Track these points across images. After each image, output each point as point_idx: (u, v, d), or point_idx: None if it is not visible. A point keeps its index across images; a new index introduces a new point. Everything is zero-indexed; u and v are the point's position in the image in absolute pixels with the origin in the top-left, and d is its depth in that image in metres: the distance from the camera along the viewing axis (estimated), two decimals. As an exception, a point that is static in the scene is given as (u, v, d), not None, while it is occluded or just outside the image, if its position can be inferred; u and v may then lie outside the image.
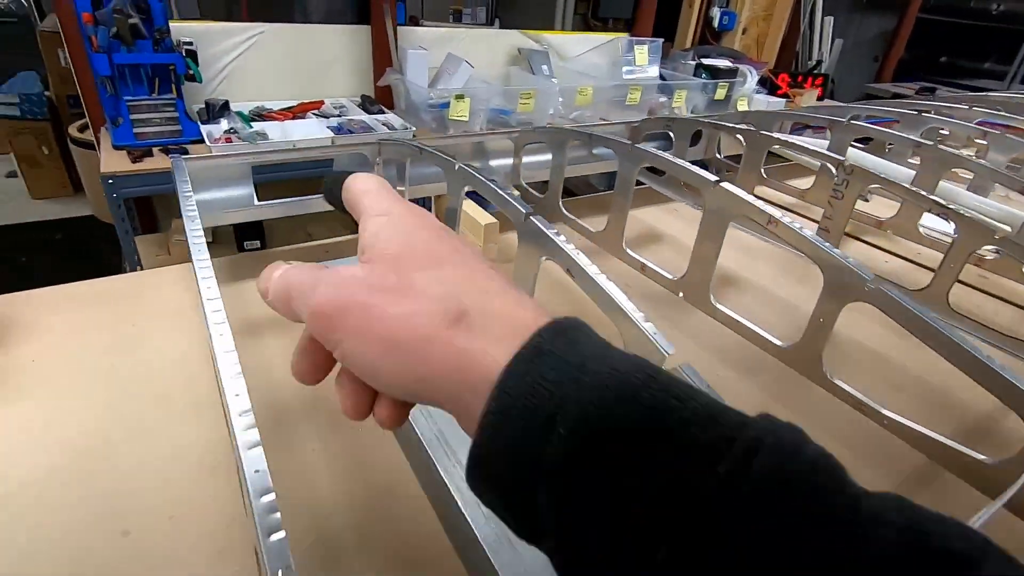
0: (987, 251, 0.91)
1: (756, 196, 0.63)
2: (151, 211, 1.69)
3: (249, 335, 0.69)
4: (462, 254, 0.24)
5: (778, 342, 0.62)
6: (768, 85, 2.60)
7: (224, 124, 1.46)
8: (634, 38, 2.07)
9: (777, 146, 0.90)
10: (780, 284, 0.91)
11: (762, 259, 0.98)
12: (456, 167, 0.63)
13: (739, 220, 0.65)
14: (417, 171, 0.91)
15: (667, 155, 0.72)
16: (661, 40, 2.09)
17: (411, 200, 0.91)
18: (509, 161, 1.05)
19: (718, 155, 1.20)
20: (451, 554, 0.46)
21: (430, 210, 1.08)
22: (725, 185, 0.64)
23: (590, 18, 3.01)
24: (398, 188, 0.88)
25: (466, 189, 0.64)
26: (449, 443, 0.48)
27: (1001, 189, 1.10)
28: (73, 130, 2.48)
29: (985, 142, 1.11)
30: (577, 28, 2.82)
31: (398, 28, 1.75)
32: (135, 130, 1.30)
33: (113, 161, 1.25)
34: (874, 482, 0.45)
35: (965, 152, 1.06)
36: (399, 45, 1.76)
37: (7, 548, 0.44)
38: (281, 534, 0.24)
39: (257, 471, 0.29)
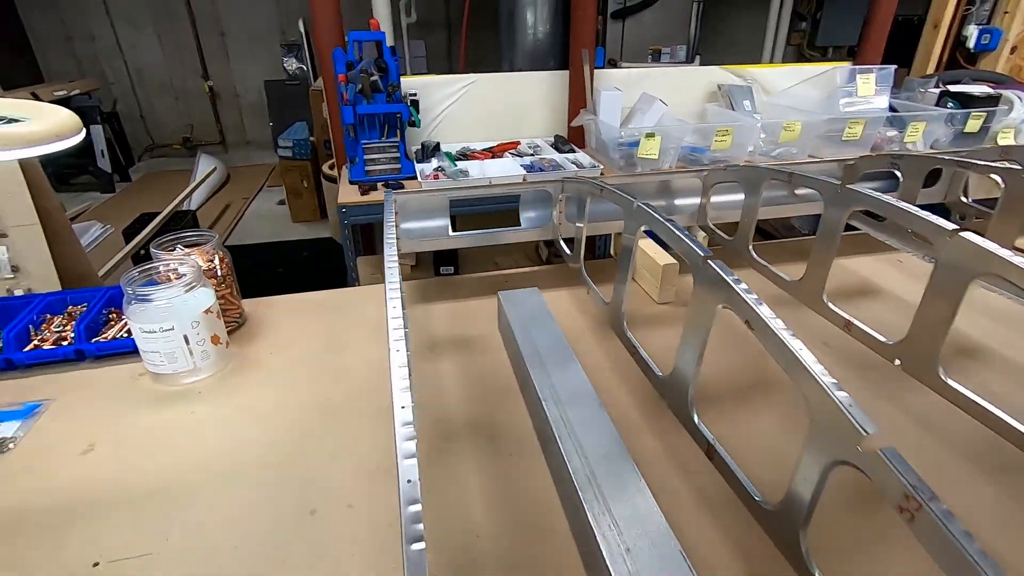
0: None
1: (1016, 250, 0.51)
2: (372, 237, 1.98)
3: (430, 353, 0.76)
4: None
5: (759, 498, 0.47)
6: (1046, 113, 2.09)
7: (434, 163, 1.65)
8: (858, 66, 1.84)
9: (1052, 189, 0.71)
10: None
11: (1016, 327, 0.78)
12: (634, 206, 0.62)
13: (986, 278, 0.52)
14: (598, 208, 0.91)
15: (887, 198, 0.62)
16: (893, 67, 1.82)
17: (587, 236, 0.91)
18: (696, 200, 1.00)
19: (964, 198, 0.99)
20: (591, 607, 0.44)
21: (608, 248, 1.07)
22: (966, 235, 0.52)
23: (806, 48, 2.75)
24: (576, 224, 0.90)
25: (643, 228, 0.63)
26: (600, 487, 0.47)
27: None
28: (325, 168, 3.04)
29: None
30: (789, 60, 2.62)
31: (595, 71, 1.82)
32: (367, 168, 1.55)
33: (347, 193, 1.50)
34: None
35: None
36: (595, 87, 1.82)
37: (220, 510, 0.54)
38: (421, 545, 0.26)
39: (410, 481, 0.31)
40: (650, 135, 1.58)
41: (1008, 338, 0.76)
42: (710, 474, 0.52)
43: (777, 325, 0.40)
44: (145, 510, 0.54)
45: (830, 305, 0.69)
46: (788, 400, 0.64)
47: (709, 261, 0.48)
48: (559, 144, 1.83)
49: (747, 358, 0.71)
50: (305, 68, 4.29)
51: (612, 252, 1.00)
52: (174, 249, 0.77)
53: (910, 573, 0.43)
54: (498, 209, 1.37)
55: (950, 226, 0.54)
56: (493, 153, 1.73)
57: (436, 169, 1.57)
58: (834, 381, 0.35)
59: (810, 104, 1.91)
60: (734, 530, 0.48)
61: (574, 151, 1.77)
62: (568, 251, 0.89)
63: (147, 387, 0.71)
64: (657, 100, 1.73)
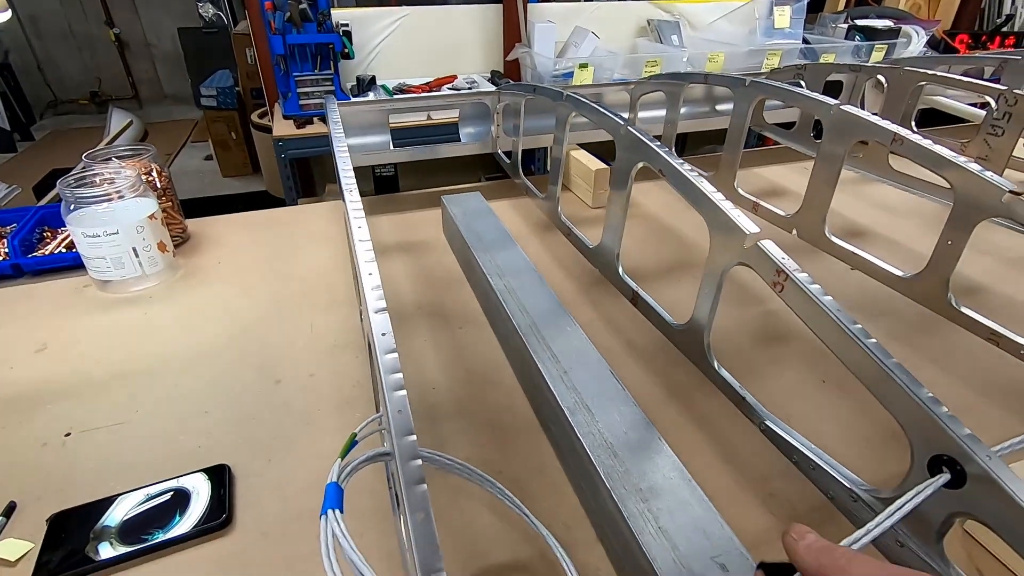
0: None
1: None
2: (310, 178, 1.94)
3: (379, 256, 0.80)
4: None
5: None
6: (942, 48, 2.28)
7: (371, 97, 1.64)
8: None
9: (924, 82, 0.82)
10: (902, 228, 0.83)
11: (884, 208, 0.89)
12: (564, 95, 0.67)
13: (859, 149, 0.61)
14: (533, 123, 0.96)
15: (784, 85, 0.69)
16: (806, 1, 1.93)
17: (524, 151, 0.95)
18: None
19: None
20: (535, 425, 0.51)
21: (544, 166, 1.12)
22: (847, 108, 0.61)
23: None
24: (512, 139, 0.94)
25: (573, 117, 0.68)
26: (541, 333, 0.53)
27: None
28: (255, 117, 2.90)
29: None
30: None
31: (528, 5, 1.82)
32: (300, 102, 1.52)
33: (283, 127, 1.47)
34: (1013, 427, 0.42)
35: None
36: (528, 20, 1.83)
37: (186, 385, 0.57)
38: (403, 392, 0.29)
39: (384, 334, 0.35)
40: (583, 66, 1.63)
41: (883, 219, 0.87)
42: (637, 326, 0.60)
43: (686, 168, 0.47)
44: (111, 390, 0.56)
45: (739, 190, 0.77)
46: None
47: (629, 128, 0.54)
48: (496, 79, 1.84)
49: (667, 217, 0.79)
50: (223, 15, 4.02)
51: (547, 169, 1.05)
52: (109, 160, 0.76)
53: (795, 379, 0.52)
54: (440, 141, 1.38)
55: (833, 101, 0.61)
56: (431, 88, 1.72)
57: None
58: (724, 199, 0.42)
59: (733, 38, 2.00)
60: (655, 361, 0.56)
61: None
62: (507, 160, 0.93)
63: (94, 296, 0.71)
64: (590, 33, 1.76)
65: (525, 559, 0.40)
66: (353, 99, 1.52)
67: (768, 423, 0.41)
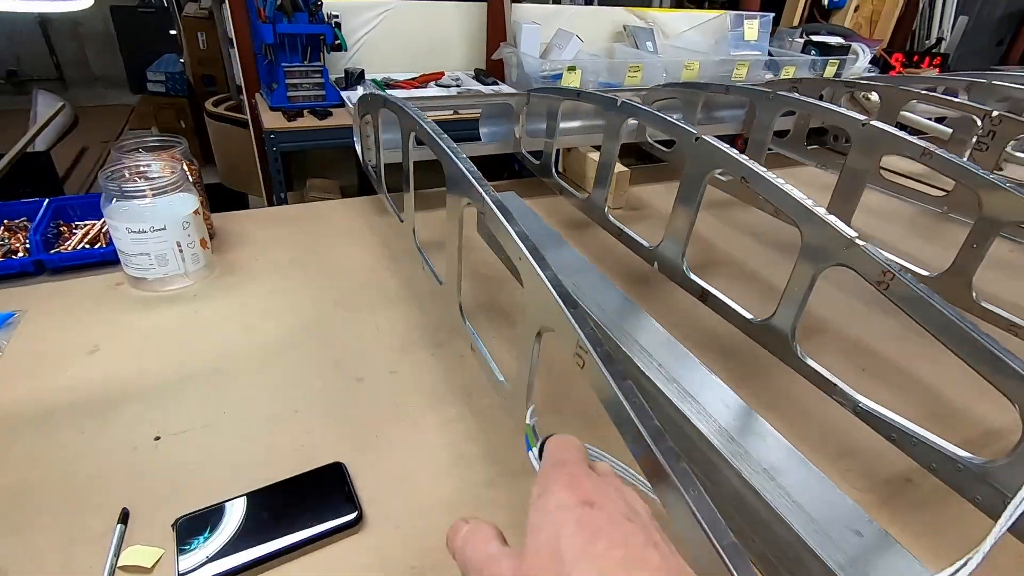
0: None
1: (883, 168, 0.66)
2: (289, 172, 1.88)
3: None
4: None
5: (748, 315, 0.56)
6: (881, 64, 2.49)
7: (360, 91, 1.60)
8: (744, 12, 2.06)
9: (915, 100, 0.91)
10: (757, 255, 0.85)
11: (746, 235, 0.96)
12: (619, 103, 0.70)
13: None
14: (540, 125, 0.98)
15: (810, 99, 0.75)
16: (772, 15, 2.06)
17: (530, 152, 0.96)
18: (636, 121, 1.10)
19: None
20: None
21: (558, 163, 1.12)
22: (876, 123, 0.67)
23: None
24: (545, 140, 0.96)
25: (630, 122, 0.71)
26: (624, 328, 0.56)
27: None
28: (209, 105, 2.76)
29: None
30: (674, 6, 2.80)
31: (511, 4, 1.84)
32: (288, 93, 1.47)
33: (272, 120, 1.42)
34: (845, 479, 0.47)
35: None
36: (512, 19, 1.85)
37: (267, 385, 0.56)
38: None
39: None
40: (571, 68, 1.67)
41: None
42: (701, 322, 0.64)
43: (771, 176, 0.51)
44: (185, 391, 0.54)
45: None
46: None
47: (704, 137, 0.57)
48: (480, 77, 1.85)
49: (733, 225, 0.84)
50: (161, -6, 3.78)
51: (561, 168, 1.08)
52: (136, 151, 0.72)
53: (839, 369, 0.58)
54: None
55: (862, 117, 0.68)
56: (418, 83, 1.71)
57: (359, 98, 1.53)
58: (813, 202, 0.46)
59: (702, 47, 2.10)
60: (732, 354, 0.61)
61: (497, 83, 1.81)
62: (536, 161, 0.95)
63: (133, 294, 0.68)
64: (574, 36, 1.81)
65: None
66: (336, 116, 1.49)
67: (862, 405, 0.46)
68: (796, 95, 0.78)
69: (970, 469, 0.39)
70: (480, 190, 0.42)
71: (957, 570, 0.31)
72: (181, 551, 0.39)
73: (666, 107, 1.07)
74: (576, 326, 0.33)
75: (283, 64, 1.44)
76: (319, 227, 0.87)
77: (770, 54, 2.12)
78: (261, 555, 0.40)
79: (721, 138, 0.58)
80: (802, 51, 2.23)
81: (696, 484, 0.26)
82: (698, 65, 1.89)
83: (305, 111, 1.48)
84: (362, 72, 1.65)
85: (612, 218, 0.75)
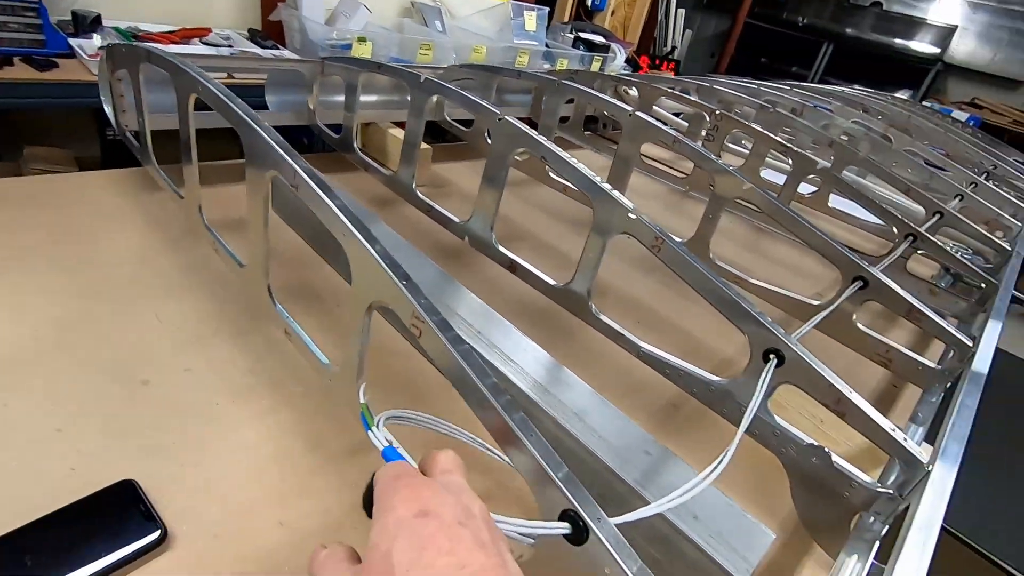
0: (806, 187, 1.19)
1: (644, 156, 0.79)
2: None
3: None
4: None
5: (551, 281, 0.63)
6: (632, 64, 2.90)
7: (97, 39, 1.30)
8: (523, 3, 2.20)
9: (663, 96, 1.09)
10: (552, 229, 0.94)
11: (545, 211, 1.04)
12: (423, 79, 0.71)
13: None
14: (336, 98, 0.93)
15: (591, 89, 0.86)
16: (548, 9, 2.24)
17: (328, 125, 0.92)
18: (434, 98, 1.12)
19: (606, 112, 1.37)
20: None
21: (357, 138, 1.08)
22: (640, 114, 0.79)
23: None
24: (345, 114, 0.91)
25: (434, 100, 0.72)
26: (441, 300, 0.58)
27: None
28: None
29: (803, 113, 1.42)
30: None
31: (288, -38, 1.68)
32: (-15, 34, 1.13)
33: (-39, 67, 1.08)
34: (634, 411, 0.60)
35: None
36: (291, -21, 1.69)
37: (32, 401, 0.45)
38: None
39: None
40: (362, 39, 1.60)
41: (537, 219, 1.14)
42: (510, 289, 0.69)
43: (565, 155, 0.57)
44: None
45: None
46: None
47: (507, 118, 0.61)
48: (257, 39, 1.66)
49: (530, 202, 0.90)
50: None
51: (360, 144, 1.04)
52: None
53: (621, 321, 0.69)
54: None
55: (630, 108, 0.79)
56: (179, 38, 1.46)
57: (105, 48, 1.26)
58: (601, 180, 0.54)
59: (489, 33, 2.19)
60: (539, 315, 0.67)
61: (278, 48, 1.64)
62: (335, 135, 0.90)
63: None
64: (362, 5, 1.73)
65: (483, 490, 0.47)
66: (63, 67, 1.21)
67: (643, 349, 0.55)
68: (579, 85, 0.87)
69: (718, 389, 0.50)
70: (292, 163, 0.39)
71: (715, 467, 0.40)
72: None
73: (463, 87, 1.10)
74: (411, 297, 0.33)
75: (-25, -6, 1.10)
76: (65, 207, 0.71)
77: (547, 46, 2.31)
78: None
79: (517, 120, 0.63)
80: (572, 46, 2.48)
81: (534, 429, 0.29)
82: (485, 50, 1.97)
83: (15, 59, 1.16)
84: (98, 17, 1.35)
85: (421, 195, 0.76)
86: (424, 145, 0.97)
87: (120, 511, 0.38)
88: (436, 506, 0.25)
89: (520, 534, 0.27)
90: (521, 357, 0.52)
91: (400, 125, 1.02)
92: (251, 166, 0.45)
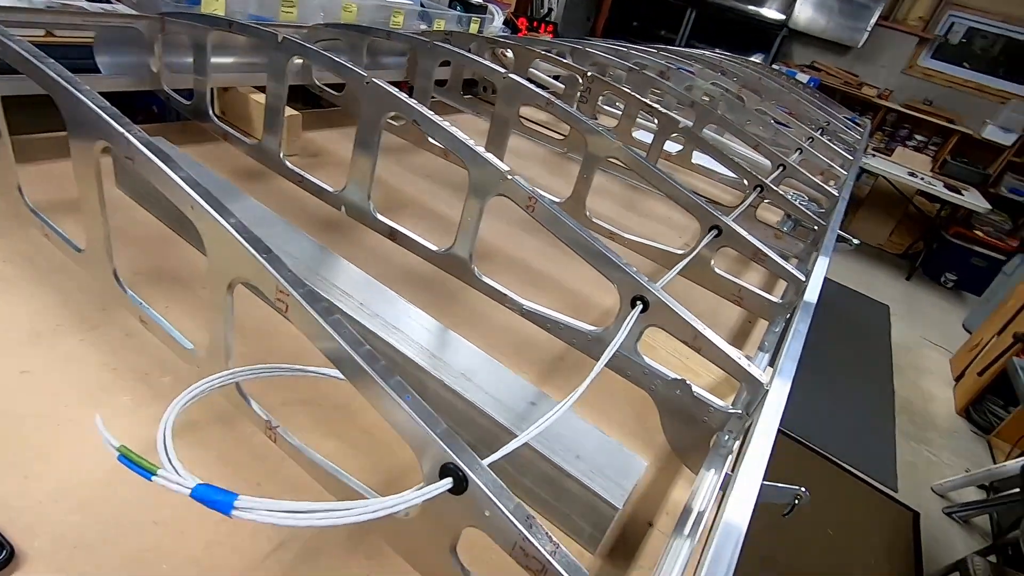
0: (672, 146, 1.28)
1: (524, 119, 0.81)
2: None
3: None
4: None
5: (433, 247, 0.64)
6: (511, 26, 2.89)
7: None
8: (393, -40, 2.10)
9: (538, 59, 1.10)
10: (433, 194, 0.93)
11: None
12: (280, 39, 0.66)
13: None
14: (185, 59, 0.85)
15: (463, 51, 0.84)
16: (420, -34, 2.16)
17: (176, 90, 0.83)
18: (300, 61, 1.04)
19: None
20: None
21: (214, 104, 0.99)
22: (514, 76, 0.80)
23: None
24: (195, 77, 0.82)
25: (295, 62, 0.67)
26: (322, 275, 0.56)
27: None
28: None
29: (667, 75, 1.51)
30: (325, -57, 2.66)
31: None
32: None
33: None
34: (521, 367, 0.65)
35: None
36: (117, -78, 1.46)
37: None
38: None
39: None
40: (212, -6, 1.44)
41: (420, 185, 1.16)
42: (397, 255, 0.68)
43: (434, 116, 0.56)
44: None
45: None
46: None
47: (375, 81, 0.59)
48: (82, -10, 1.44)
49: (410, 168, 0.87)
50: None
51: (219, 111, 0.96)
52: None
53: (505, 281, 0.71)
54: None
55: (503, 70, 0.80)
56: (-25, -13, 1.22)
57: None
58: (474, 143, 0.54)
59: (358, -10, 2.07)
60: (423, 281, 0.66)
61: (110, 2, 1.43)
62: (186, 102, 0.82)
63: None
64: (208, -46, 1.55)
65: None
66: None
67: (526, 307, 0.57)
68: (451, 46, 0.86)
69: (594, 337, 0.53)
70: (123, 131, 0.35)
71: (573, 397, 0.43)
72: None
73: (330, 48, 1.04)
74: (272, 270, 0.32)
75: None
76: None
77: (422, 5, 2.23)
78: None
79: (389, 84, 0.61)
80: (449, 6, 2.41)
81: (411, 391, 0.29)
82: (356, 8, 1.86)
83: None
84: None
85: (290, 164, 0.72)
86: (292, 111, 0.91)
87: (-49, 537, 0.34)
88: None
89: (407, 508, 0.28)
90: (406, 324, 0.52)
91: (263, 90, 0.94)
92: (75, 137, 0.39)
